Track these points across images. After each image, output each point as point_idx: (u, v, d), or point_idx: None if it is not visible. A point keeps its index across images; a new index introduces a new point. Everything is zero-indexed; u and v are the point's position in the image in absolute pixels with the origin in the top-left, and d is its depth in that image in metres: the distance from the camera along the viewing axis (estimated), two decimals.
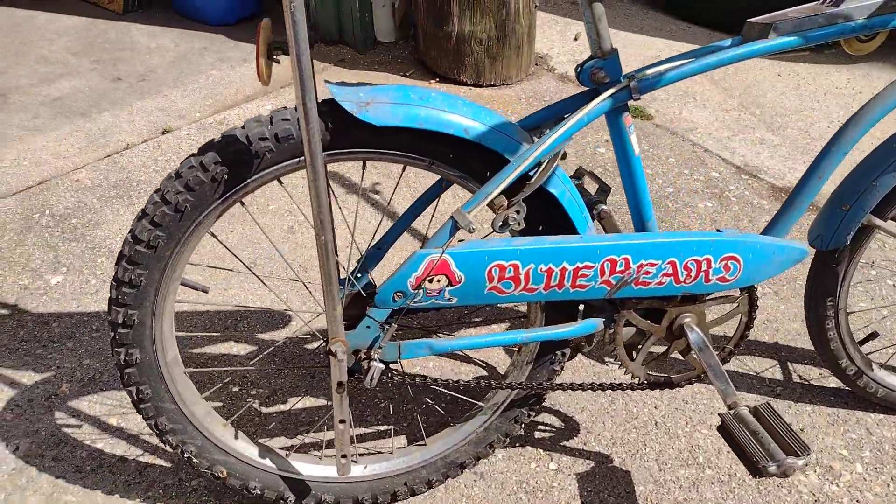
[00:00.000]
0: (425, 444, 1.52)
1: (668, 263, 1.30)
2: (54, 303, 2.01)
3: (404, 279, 1.20)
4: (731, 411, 1.39)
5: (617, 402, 1.81)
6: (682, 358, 1.48)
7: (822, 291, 1.59)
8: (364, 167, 1.30)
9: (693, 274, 1.32)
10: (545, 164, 1.21)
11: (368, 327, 1.26)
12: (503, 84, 3.32)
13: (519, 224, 1.25)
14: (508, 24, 3.16)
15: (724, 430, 1.37)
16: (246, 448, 1.43)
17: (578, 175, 1.63)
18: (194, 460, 1.37)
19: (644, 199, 1.34)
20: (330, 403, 1.77)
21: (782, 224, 1.43)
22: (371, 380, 1.24)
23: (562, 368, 1.48)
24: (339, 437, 1.31)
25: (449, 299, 1.25)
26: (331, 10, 3.55)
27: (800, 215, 1.43)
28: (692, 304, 1.41)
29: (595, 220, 1.48)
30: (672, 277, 1.32)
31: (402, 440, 1.67)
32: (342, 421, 1.30)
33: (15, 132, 2.77)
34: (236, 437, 1.42)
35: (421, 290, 1.22)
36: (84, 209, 2.40)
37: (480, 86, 3.29)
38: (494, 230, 1.24)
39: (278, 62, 1.06)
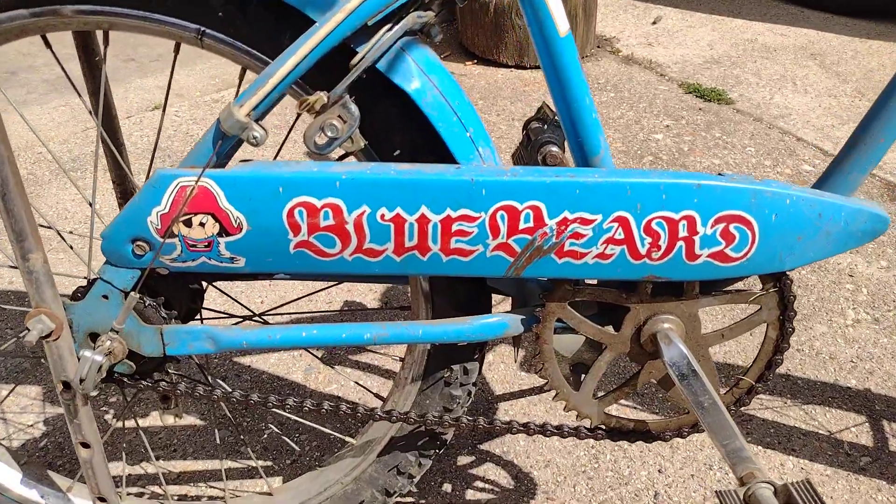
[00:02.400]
0: (270, 495, 1.03)
1: (615, 221, 0.76)
2: None
3: (142, 216, 0.74)
4: (743, 488, 0.80)
5: (602, 457, 1.24)
6: (664, 392, 0.91)
7: None
8: (106, 39, 0.83)
9: (662, 243, 0.77)
10: (383, 31, 0.71)
11: (106, 297, 0.79)
12: None
13: (353, 142, 0.75)
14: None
15: None
16: None
17: (542, 115, 1.11)
18: None
19: (583, 114, 0.80)
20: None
21: (844, 174, 0.84)
22: (82, 379, 0.77)
23: (469, 395, 0.95)
24: (85, 468, 0.85)
25: (232, 259, 0.76)
26: None
27: (876, 161, 0.83)
28: (673, 297, 0.84)
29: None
30: (624, 247, 0.77)
31: (248, 484, 1.18)
32: (84, 445, 0.84)
33: (1, 106, 2.58)
34: None
35: (177, 239, 0.75)
36: (32, 182, 2.12)
37: (523, 67, 2.79)
38: (311, 150, 0.75)
39: None
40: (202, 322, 0.96)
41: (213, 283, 0.94)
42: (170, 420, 0.96)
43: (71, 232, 1.08)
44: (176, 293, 0.85)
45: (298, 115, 0.81)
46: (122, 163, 0.87)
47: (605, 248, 0.77)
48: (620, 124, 2.38)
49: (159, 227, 0.74)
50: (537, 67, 2.79)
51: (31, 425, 1.32)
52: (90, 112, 0.86)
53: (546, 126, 1.08)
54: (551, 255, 0.77)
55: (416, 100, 0.74)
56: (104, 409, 1.34)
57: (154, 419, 1.32)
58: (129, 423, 1.31)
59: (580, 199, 0.75)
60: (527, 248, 0.77)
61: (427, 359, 0.92)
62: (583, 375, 0.92)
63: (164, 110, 0.86)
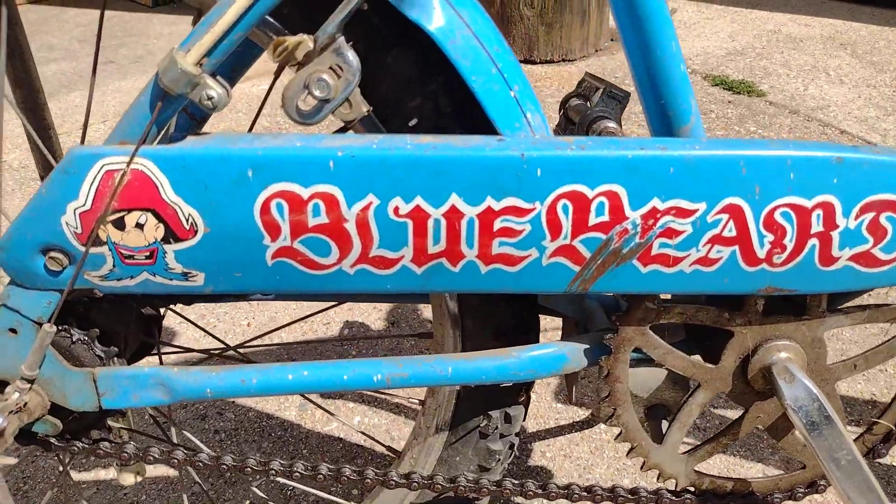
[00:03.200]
0: None
1: (724, 211, 0.54)
2: None
3: (54, 216, 0.51)
4: None
5: None
6: (774, 442, 0.69)
7: None
8: None
9: (789, 242, 0.55)
10: None
11: (14, 331, 0.56)
12: (563, 59, 2.59)
13: (352, 107, 0.53)
14: None
15: None
16: None
17: (584, 90, 0.90)
18: None
19: (669, 67, 0.58)
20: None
21: None
22: None
23: (511, 448, 0.72)
24: None
25: (185, 274, 0.54)
26: None
27: None
28: (791, 317, 0.62)
29: None
30: (735, 248, 0.55)
31: None
32: None
33: None
34: None
35: (106, 248, 0.52)
36: None
37: (533, 62, 2.58)
38: (293, 118, 0.52)
39: None
40: (161, 359, 0.74)
41: (170, 307, 0.72)
42: (130, 480, 0.73)
43: None
44: (117, 322, 0.63)
45: (279, 72, 0.59)
46: (46, 149, 0.66)
47: (710, 251, 0.55)
48: (644, 119, 2.17)
49: (79, 230, 0.51)
50: (548, 62, 2.58)
51: None
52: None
53: (595, 100, 0.86)
54: (633, 262, 0.55)
55: (440, 43, 0.52)
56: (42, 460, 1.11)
57: (111, 472, 1.09)
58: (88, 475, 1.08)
59: (675, 180, 0.53)
60: (599, 252, 0.55)
61: (456, 402, 0.70)
62: (663, 421, 0.69)
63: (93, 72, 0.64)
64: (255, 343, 1.02)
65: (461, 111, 0.56)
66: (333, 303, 1.11)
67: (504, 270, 0.55)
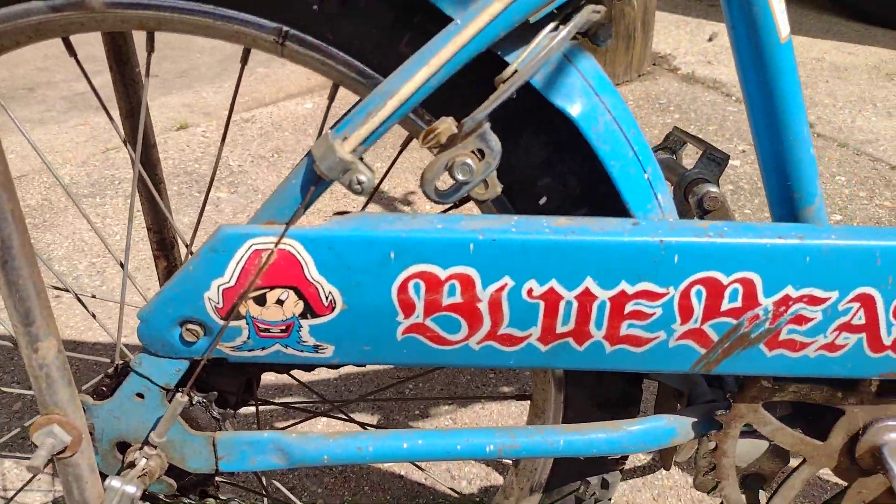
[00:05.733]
0: None
1: (856, 300, 0.54)
2: None
3: (197, 292, 0.52)
4: None
5: None
6: None
7: None
8: (151, 44, 0.61)
9: None
10: (546, 32, 0.50)
11: (141, 396, 0.57)
12: None
13: (487, 188, 0.53)
14: (614, 4, 2.44)
15: None
16: None
17: (672, 144, 0.90)
18: None
19: (798, 148, 0.58)
20: None
21: None
22: None
23: None
24: None
25: (316, 347, 0.55)
26: None
27: None
28: None
29: (694, 211, 0.75)
30: (863, 335, 0.55)
31: None
32: None
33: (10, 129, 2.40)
34: None
35: (244, 321, 0.53)
36: (46, 208, 1.93)
37: None
38: (431, 199, 0.53)
39: None
40: (258, 410, 0.74)
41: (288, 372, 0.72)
42: None
43: (94, 296, 0.86)
44: (230, 384, 0.64)
45: (403, 148, 0.60)
46: (162, 204, 0.67)
47: (837, 337, 0.55)
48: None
49: (220, 305, 0.52)
50: None
51: None
52: (124, 142, 0.65)
53: (681, 157, 0.86)
54: (760, 346, 0.55)
55: (582, 128, 0.52)
56: None
57: None
58: None
59: (810, 269, 0.53)
60: (727, 336, 0.55)
61: (553, 464, 0.70)
62: (760, 492, 0.69)
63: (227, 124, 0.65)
64: (352, 399, 1.02)
65: (589, 192, 0.57)
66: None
67: (629, 351, 0.56)
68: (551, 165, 0.56)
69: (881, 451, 0.62)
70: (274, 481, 0.93)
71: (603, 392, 0.66)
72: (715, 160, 0.79)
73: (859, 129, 2.27)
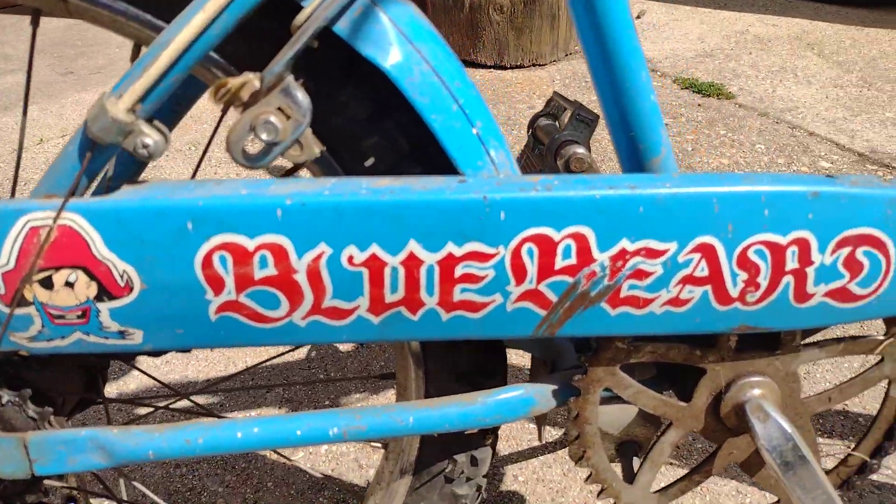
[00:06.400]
0: None
1: (696, 250, 0.51)
2: None
3: None
4: None
5: None
6: (749, 477, 0.67)
7: None
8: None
9: (762, 280, 0.53)
10: None
11: None
12: (533, 64, 2.57)
13: (302, 149, 0.49)
14: None
15: None
16: None
17: (553, 109, 0.87)
18: None
19: (638, 97, 0.55)
20: None
21: None
22: None
23: (478, 491, 0.70)
24: None
25: (122, 333, 0.50)
26: None
27: None
28: (764, 352, 0.60)
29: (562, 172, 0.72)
30: (708, 287, 0.53)
31: None
32: None
33: None
34: None
35: (33, 308, 0.48)
36: None
37: (503, 67, 2.55)
38: (239, 162, 0.49)
39: None
40: (106, 408, 0.69)
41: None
42: None
43: None
44: (54, 379, 0.59)
45: (224, 113, 0.55)
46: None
47: (681, 291, 0.53)
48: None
49: (2, 291, 0.47)
50: (518, 67, 2.56)
51: None
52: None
53: (564, 122, 0.84)
54: (602, 305, 0.53)
55: (396, 80, 0.49)
56: None
57: None
58: None
59: (645, 220, 0.50)
60: (566, 296, 0.52)
61: (420, 445, 0.67)
62: (634, 458, 0.67)
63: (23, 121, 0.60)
64: (209, 390, 0.98)
65: (418, 150, 0.53)
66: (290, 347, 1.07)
67: (466, 317, 0.52)
68: (376, 123, 0.52)
69: (743, 408, 0.60)
70: (134, 483, 0.88)
71: (460, 364, 0.62)
72: (584, 121, 0.76)
73: (780, 98, 2.29)
